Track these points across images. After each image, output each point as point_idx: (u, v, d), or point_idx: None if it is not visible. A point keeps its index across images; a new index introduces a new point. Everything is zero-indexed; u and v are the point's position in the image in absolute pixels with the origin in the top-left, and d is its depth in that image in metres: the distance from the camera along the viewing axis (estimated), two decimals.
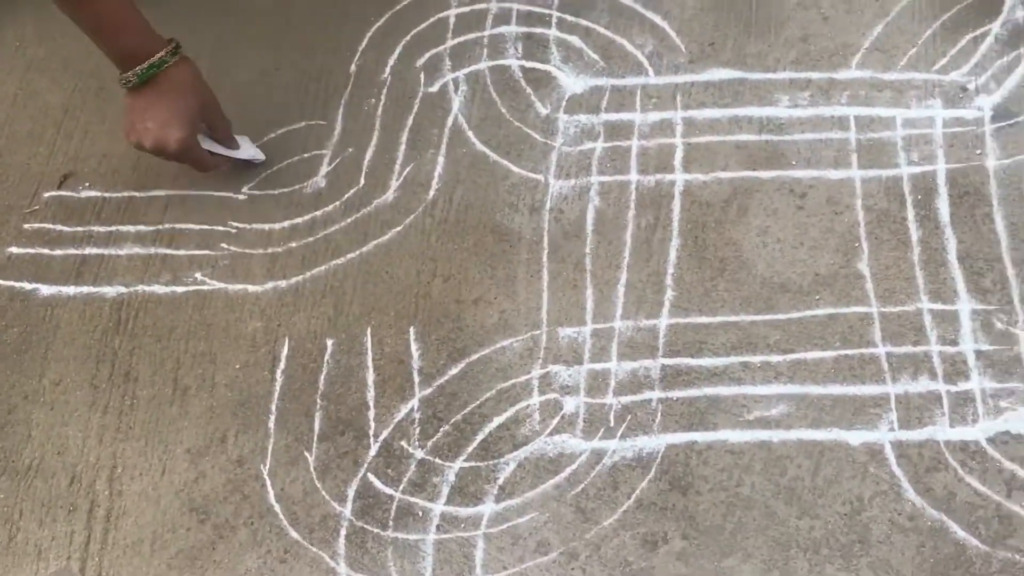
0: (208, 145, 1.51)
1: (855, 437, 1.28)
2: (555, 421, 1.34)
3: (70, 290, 1.52)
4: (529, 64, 1.60)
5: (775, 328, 1.36)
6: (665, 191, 1.46)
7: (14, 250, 1.57)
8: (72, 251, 1.55)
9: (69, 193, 1.61)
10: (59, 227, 1.58)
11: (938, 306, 1.34)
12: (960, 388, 1.29)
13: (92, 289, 1.52)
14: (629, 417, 1.32)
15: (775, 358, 1.34)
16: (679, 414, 1.32)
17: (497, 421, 1.35)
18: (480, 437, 1.34)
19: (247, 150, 1.56)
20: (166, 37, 1.43)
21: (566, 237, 1.45)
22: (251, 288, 1.48)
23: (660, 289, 1.40)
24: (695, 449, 1.30)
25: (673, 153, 1.49)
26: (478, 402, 1.36)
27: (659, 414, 1.32)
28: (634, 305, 1.39)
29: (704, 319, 1.37)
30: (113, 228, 1.56)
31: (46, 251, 1.56)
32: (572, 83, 1.57)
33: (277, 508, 1.34)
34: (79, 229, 1.57)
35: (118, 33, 1.40)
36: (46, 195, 1.61)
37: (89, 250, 1.55)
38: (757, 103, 1.51)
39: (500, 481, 1.31)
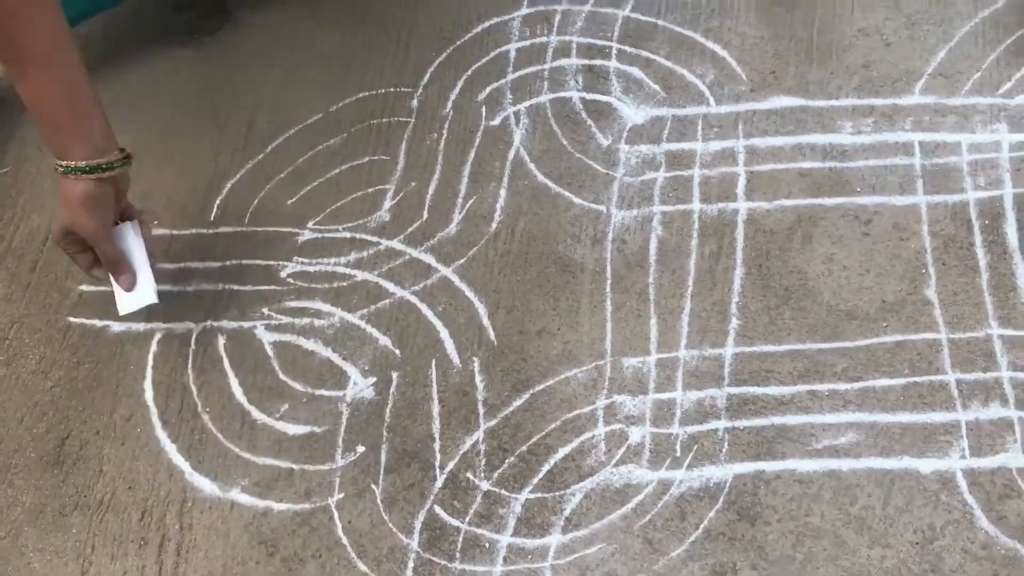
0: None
1: (926, 465, 1.26)
2: (621, 451, 1.33)
3: (140, 327, 1.54)
4: (590, 96, 1.61)
5: (842, 356, 1.34)
6: (728, 219, 1.46)
7: (85, 288, 1.59)
8: None
9: None
10: None
11: (1008, 332, 1.33)
12: None
13: (162, 325, 1.54)
14: (696, 447, 1.32)
15: (843, 386, 1.32)
16: (746, 443, 1.31)
17: (563, 452, 1.34)
18: (546, 468, 1.34)
19: (139, 291, 1.45)
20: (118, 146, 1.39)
21: (629, 267, 1.45)
22: (317, 322, 1.50)
23: (725, 318, 1.39)
24: (763, 479, 1.29)
25: (736, 181, 1.48)
26: (543, 433, 1.36)
27: (726, 443, 1.31)
28: (699, 334, 1.39)
29: (770, 348, 1.36)
30: (182, 265, 1.59)
31: None
32: (633, 114, 1.57)
33: (345, 540, 1.34)
34: None
35: (78, 111, 1.36)
36: None
37: (159, 287, 1.57)
38: (820, 130, 1.50)
39: (567, 512, 1.30)
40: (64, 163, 1.35)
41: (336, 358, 1.47)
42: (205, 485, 1.41)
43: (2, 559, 1.41)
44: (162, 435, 1.46)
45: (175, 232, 1.62)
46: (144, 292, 1.45)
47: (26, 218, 1.69)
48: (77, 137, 1.36)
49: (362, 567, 1.32)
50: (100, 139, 1.38)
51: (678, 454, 1.32)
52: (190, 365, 1.50)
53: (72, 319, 1.58)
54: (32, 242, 1.66)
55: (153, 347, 1.53)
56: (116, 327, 1.55)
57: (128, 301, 1.45)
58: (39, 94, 1.34)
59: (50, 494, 1.45)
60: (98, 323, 1.56)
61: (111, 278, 1.45)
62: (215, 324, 1.53)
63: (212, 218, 1.62)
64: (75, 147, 1.36)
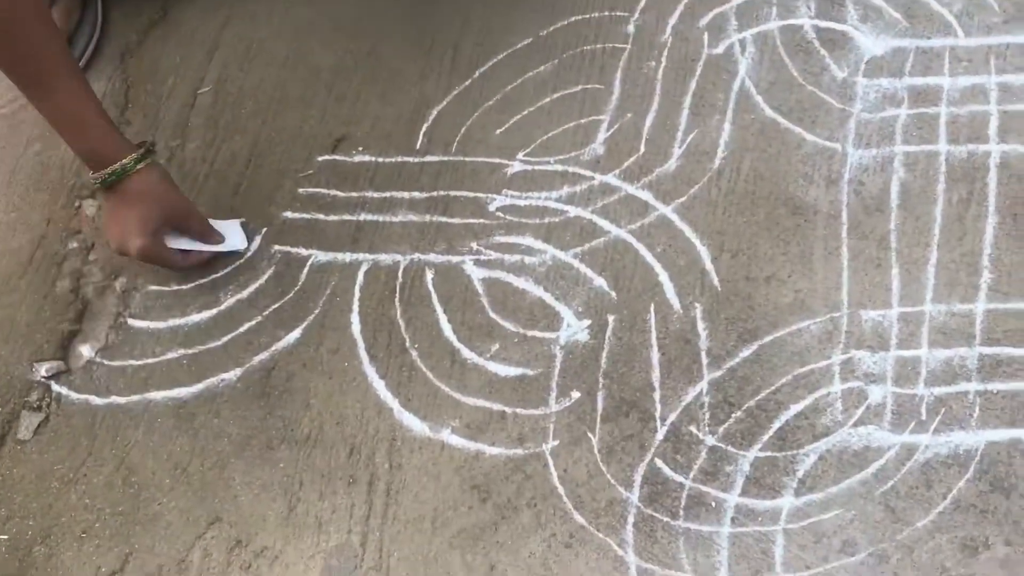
0: (183, 244, 1.51)
1: None
2: (860, 411, 1.24)
3: (346, 257, 1.50)
4: (823, 23, 1.49)
5: None
6: (979, 163, 1.34)
7: (289, 215, 1.56)
8: (347, 217, 1.53)
9: (342, 158, 1.59)
10: (333, 192, 1.56)
11: None
12: None
13: (368, 256, 1.49)
14: (943, 410, 1.22)
15: None
16: (1000, 408, 1.21)
17: (794, 409, 1.26)
18: (776, 425, 1.26)
19: (232, 239, 1.54)
20: (141, 140, 1.45)
21: (867, 212, 1.35)
22: (528, 259, 1.43)
23: (976, 271, 1.28)
24: (1019, 448, 1.18)
25: (987, 122, 1.36)
26: (773, 388, 1.28)
27: (977, 408, 1.21)
28: (946, 287, 1.28)
29: None
30: (387, 194, 1.53)
31: (321, 216, 1.54)
32: (871, 44, 1.46)
33: (561, 490, 1.29)
34: (353, 195, 1.55)
35: (81, 132, 1.39)
36: (319, 159, 1.60)
37: (364, 216, 1.52)
38: None
39: (800, 474, 1.23)
40: (123, 161, 1.41)
41: (548, 298, 1.41)
42: (415, 424, 1.37)
43: (209, 490, 1.40)
44: (370, 370, 1.42)
45: (380, 159, 1.57)
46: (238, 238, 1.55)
47: (228, 140, 1.66)
48: (114, 134, 1.43)
49: (579, 519, 1.27)
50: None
51: (923, 417, 1.22)
52: (397, 299, 1.45)
53: (277, 246, 1.54)
54: (234, 164, 1.63)
55: (359, 279, 1.48)
56: (322, 256, 1.51)
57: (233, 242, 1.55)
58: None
59: (257, 426, 1.42)
60: (303, 251, 1.52)
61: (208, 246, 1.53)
62: (423, 257, 1.47)
63: (418, 146, 1.56)
64: (122, 143, 1.42)
